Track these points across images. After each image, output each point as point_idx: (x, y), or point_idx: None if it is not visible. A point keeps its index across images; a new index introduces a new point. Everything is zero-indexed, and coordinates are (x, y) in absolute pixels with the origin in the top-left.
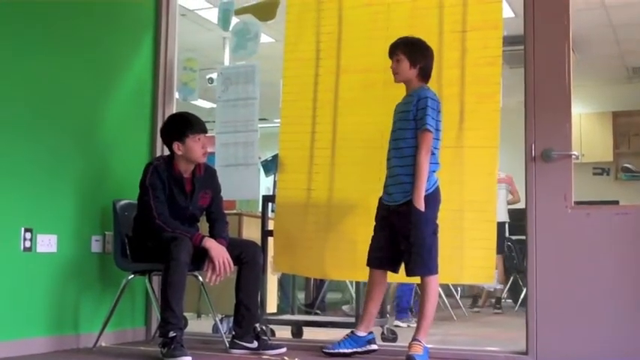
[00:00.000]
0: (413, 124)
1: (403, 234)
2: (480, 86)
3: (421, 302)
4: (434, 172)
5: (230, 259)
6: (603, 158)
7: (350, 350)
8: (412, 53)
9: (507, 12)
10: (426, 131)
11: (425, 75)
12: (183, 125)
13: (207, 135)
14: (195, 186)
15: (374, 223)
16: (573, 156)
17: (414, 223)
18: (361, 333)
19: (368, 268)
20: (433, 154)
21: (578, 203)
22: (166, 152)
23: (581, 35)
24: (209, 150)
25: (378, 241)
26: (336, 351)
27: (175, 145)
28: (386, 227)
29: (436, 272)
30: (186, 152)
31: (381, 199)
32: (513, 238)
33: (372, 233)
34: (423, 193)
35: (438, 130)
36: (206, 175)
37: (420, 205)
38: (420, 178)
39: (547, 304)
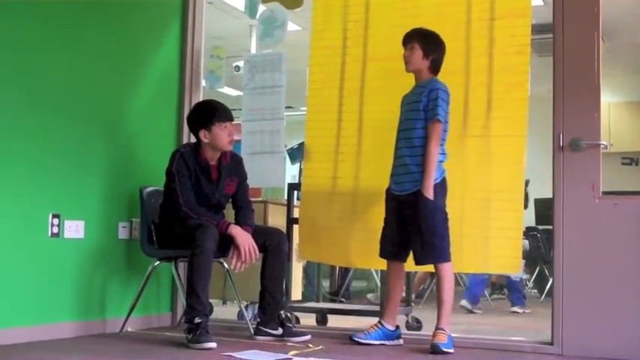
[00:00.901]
0: (423, 114)
1: (414, 223)
2: (508, 75)
3: (438, 290)
4: (442, 162)
5: (255, 246)
6: (632, 148)
7: (378, 342)
8: (426, 44)
9: (536, 0)
10: (437, 122)
11: (435, 67)
12: (209, 113)
13: (233, 122)
14: (222, 173)
15: (384, 215)
16: (602, 146)
17: (425, 212)
18: (390, 327)
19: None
20: (441, 144)
21: (605, 193)
22: (193, 139)
23: (610, 23)
24: (235, 138)
25: (390, 233)
26: (366, 341)
27: (202, 133)
28: (396, 218)
29: (449, 259)
30: (212, 140)
31: (388, 189)
32: (540, 227)
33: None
34: (432, 182)
35: (446, 121)
36: (232, 163)
37: (430, 193)
38: (430, 167)
39: (573, 294)
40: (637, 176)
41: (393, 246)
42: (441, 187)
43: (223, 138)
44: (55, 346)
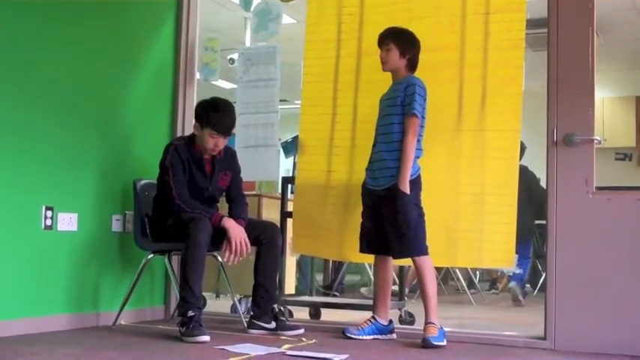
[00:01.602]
0: (400, 109)
1: (389, 217)
2: (502, 69)
3: (421, 284)
4: (417, 158)
5: (248, 239)
6: (626, 143)
7: (371, 337)
8: (402, 43)
9: None
10: (413, 116)
11: (412, 65)
12: (210, 117)
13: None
14: (215, 167)
15: (360, 209)
16: (595, 141)
17: (400, 206)
18: (383, 321)
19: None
20: (418, 140)
21: (599, 188)
22: (187, 133)
23: (605, 18)
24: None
25: (368, 228)
26: (359, 337)
27: (195, 124)
28: (372, 212)
29: (426, 253)
30: (199, 137)
31: (364, 184)
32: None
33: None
34: (408, 177)
35: (423, 117)
36: (226, 157)
37: (406, 187)
38: (407, 161)
39: (566, 289)
40: (630, 171)
41: (372, 240)
42: (416, 183)
43: (208, 143)
44: (49, 339)
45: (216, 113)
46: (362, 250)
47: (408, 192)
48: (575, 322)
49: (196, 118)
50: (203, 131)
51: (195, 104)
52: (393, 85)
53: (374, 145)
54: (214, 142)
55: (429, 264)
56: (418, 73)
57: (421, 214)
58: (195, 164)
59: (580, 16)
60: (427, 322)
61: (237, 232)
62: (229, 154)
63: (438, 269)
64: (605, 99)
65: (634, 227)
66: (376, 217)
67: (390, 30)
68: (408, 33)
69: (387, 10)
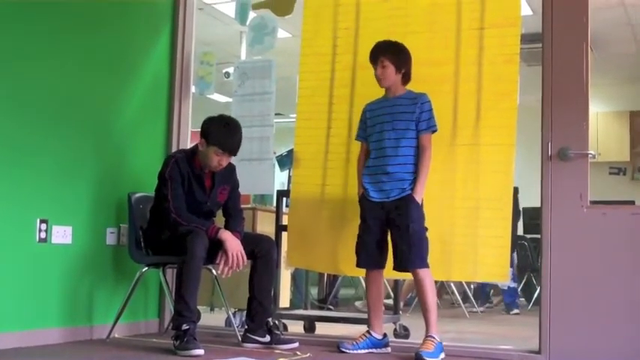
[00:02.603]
0: (414, 125)
1: (402, 227)
2: (497, 84)
3: (423, 297)
4: None
5: (244, 252)
6: (620, 158)
7: (366, 351)
8: (397, 59)
9: (525, 9)
10: (432, 133)
11: (408, 78)
12: (218, 135)
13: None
14: (215, 181)
15: (360, 223)
16: (590, 155)
17: (414, 216)
18: (378, 335)
19: (359, 268)
20: None
21: (593, 203)
22: (182, 145)
23: (599, 33)
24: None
25: (370, 241)
26: (354, 352)
27: (201, 141)
28: (376, 226)
29: (428, 265)
30: (204, 154)
31: (366, 198)
32: (528, 236)
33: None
34: (424, 190)
35: None
36: (226, 171)
37: (420, 199)
38: (425, 174)
39: (561, 303)
40: (625, 186)
41: (373, 254)
42: (422, 200)
43: (213, 161)
44: (42, 352)
45: (224, 132)
46: (361, 265)
47: (420, 203)
48: (569, 336)
49: (203, 134)
50: (209, 148)
51: (190, 118)
52: (393, 98)
53: (375, 158)
54: (218, 160)
55: (430, 277)
56: (413, 87)
57: (426, 228)
58: (195, 178)
59: (574, 31)
60: (426, 336)
61: (233, 244)
62: (229, 169)
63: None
64: (600, 113)
65: (629, 241)
66: (379, 231)
67: (382, 46)
68: (400, 46)
69: (383, 24)
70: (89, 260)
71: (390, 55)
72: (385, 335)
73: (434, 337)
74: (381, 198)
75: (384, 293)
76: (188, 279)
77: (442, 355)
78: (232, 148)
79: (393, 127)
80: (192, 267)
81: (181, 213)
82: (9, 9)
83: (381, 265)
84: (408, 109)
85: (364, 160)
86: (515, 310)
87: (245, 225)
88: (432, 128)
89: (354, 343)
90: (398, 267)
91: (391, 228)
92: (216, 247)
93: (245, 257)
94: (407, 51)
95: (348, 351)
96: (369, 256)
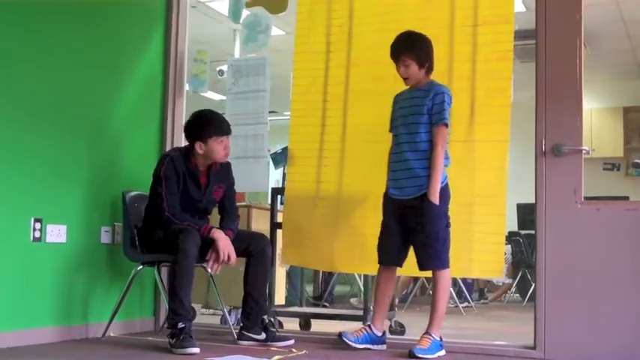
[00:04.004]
0: (427, 118)
1: (417, 228)
2: (490, 81)
3: (435, 296)
4: (446, 166)
5: (233, 252)
6: (614, 154)
7: (363, 346)
8: (419, 56)
9: (519, 6)
10: (444, 126)
11: (431, 69)
12: (207, 126)
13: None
14: (211, 179)
15: (382, 219)
16: (584, 151)
17: (430, 217)
18: (377, 332)
19: (379, 265)
20: (445, 149)
21: (588, 198)
22: (175, 145)
23: (592, 30)
24: (229, 148)
25: (392, 238)
26: (353, 344)
27: (197, 145)
28: (398, 223)
29: (448, 266)
30: (207, 152)
31: (387, 194)
32: (522, 232)
33: (380, 226)
34: (439, 187)
35: (448, 125)
36: (221, 169)
37: (436, 198)
38: (437, 172)
39: (556, 299)
40: (618, 181)
41: (395, 251)
42: (445, 193)
43: (219, 152)
44: (38, 351)
45: (208, 121)
46: (383, 262)
47: (437, 203)
48: (564, 331)
49: (194, 137)
50: (209, 142)
51: (184, 116)
52: (415, 90)
53: (394, 153)
54: (224, 146)
55: (448, 278)
56: (403, 83)
57: (449, 224)
58: (190, 176)
59: (568, 28)
60: (425, 333)
61: (224, 243)
62: (225, 167)
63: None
64: (593, 109)
65: (623, 237)
66: (398, 229)
67: (402, 42)
68: (420, 39)
69: (376, 21)
70: (84, 259)
71: (412, 53)
72: (384, 333)
73: (432, 335)
74: (399, 195)
75: None
76: (182, 277)
77: (441, 353)
78: (227, 126)
79: (407, 120)
80: (184, 265)
81: (175, 212)
82: (1, 10)
83: (397, 264)
84: (423, 101)
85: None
86: (466, 304)
87: (240, 222)
88: (443, 121)
89: (356, 335)
90: (421, 268)
91: (408, 228)
92: (209, 246)
93: (234, 257)
94: (428, 41)
95: (349, 341)
96: (387, 254)
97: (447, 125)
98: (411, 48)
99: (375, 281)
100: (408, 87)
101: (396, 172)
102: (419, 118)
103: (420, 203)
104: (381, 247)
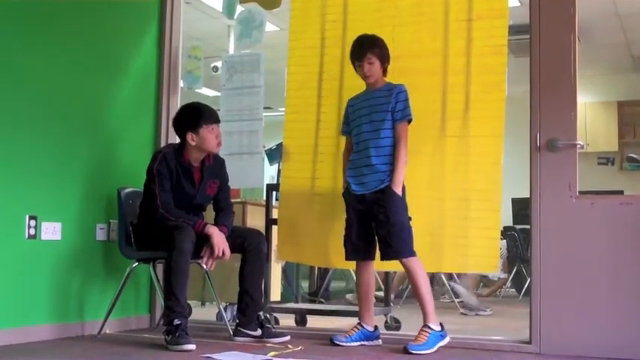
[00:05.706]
0: (390, 115)
1: (383, 219)
2: (485, 75)
3: (416, 287)
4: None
5: (228, 249)
6: (608, 148)
7: (358, 343)
8: (382, 55)
9: (513, 1)
10: (407, 122)
11: (386, 71)
12: (196, 116)
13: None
14: (204, 175)
15: (345, 217)
16: (578, 146)
17: (395, 207)
18: (369, 327)
19: (346, 261)
20: None
21: (582, 193)
22: (170, 140)
23: (587, 24)
24: (220, 136)
25: (354, 234)
26: (347, 344)
27: (189, 136)
28: (358, 218)
29: (415, 254)
30: (200, 143)
31: (348, 191)
32: (517, 227)
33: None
34: (402, 179)
35: None
36: (215, 165)
37: (399, 189)
38: (402, 165)
39: (551, 293)
40: (613, 176)
41: (359, 246)
42: (404, 188)
43: (211, 140)
44: (33, 349)
45: (198, 109)
46: (348, 258)
47: (400, 194)
48: (560, 326)
49: (185, 128)
50: (200, 132)
51: None
52: (374, 91)
53: (357, 152)
54: (216, 134)
55: (419, 264)
56: (402, 80)
57: (409, 217)
58: (183, 172)
59: (562, 22)
60: (422, 327)
61: (219, 239)
62: (218, 163)
63: None
64: (588, 104)
65: (617, 231)
66: (363, 222)
67: (368, 41)
68: (381, 40)
69: (370, 17)
70: (79, 256)
71: (377, 51)
72: (376, 328)
73: (429, 328)
74: (361, 191)
75: (375, 286)
76: (176, 274)
77: (442, 343)
78: (216, 115)
79: (371, 119)
80: (179, 262)
81: (169, 208)
82: None
83: (368, 257)
84: (387, 100)
85: (348, 154)
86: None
87: (235, 219)
88: (407, 117)
89: (347, 335)
90: (384, 257)
91: (374, 221)
92: (204, 242)
93: (229, 252)
94: (386, 45)
95: (341, 343)
96: (355, 248)
97: (410, 121)
98: (375, 46)
99: (355, 279)
100: (361, 91)
101: (357, 169)
102: (383, 116)
103: (382, 196)
104: (346, 244)
